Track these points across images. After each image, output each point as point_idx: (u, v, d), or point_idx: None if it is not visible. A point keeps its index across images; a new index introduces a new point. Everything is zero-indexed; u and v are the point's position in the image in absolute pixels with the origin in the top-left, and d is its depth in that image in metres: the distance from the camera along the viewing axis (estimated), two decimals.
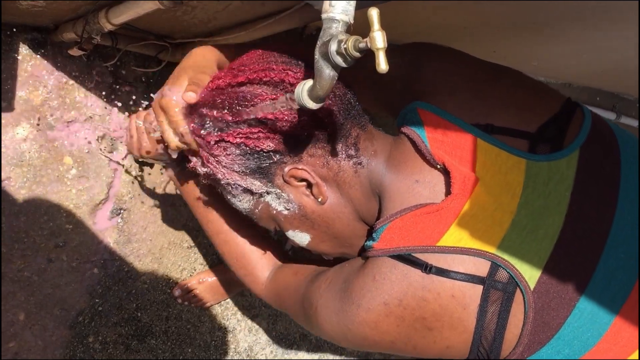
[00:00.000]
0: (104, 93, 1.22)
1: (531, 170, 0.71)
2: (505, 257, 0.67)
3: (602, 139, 0.77)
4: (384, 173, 0.79)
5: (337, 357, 1.71)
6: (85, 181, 1.21)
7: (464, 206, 0.70)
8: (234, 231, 0.98)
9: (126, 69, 1.26)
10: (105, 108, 1.23)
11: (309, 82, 0.59)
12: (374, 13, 0.50)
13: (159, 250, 1.36)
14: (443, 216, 0.70)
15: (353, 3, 0.55)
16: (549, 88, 0.83)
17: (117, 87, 1.25)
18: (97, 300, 1.27)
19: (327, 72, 0.56)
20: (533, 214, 0.70)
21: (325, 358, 1.68)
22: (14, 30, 1.10)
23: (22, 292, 1.16)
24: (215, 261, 1.47)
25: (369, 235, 0.82)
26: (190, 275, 1.42)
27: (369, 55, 0.52)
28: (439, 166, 0.73)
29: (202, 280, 1.40)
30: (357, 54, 0.52)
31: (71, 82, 1.18)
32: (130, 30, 1.10)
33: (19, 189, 1.13)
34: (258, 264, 0.98)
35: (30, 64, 1.12)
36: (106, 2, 0.92)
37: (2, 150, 1.10)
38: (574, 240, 0.69)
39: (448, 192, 0.72)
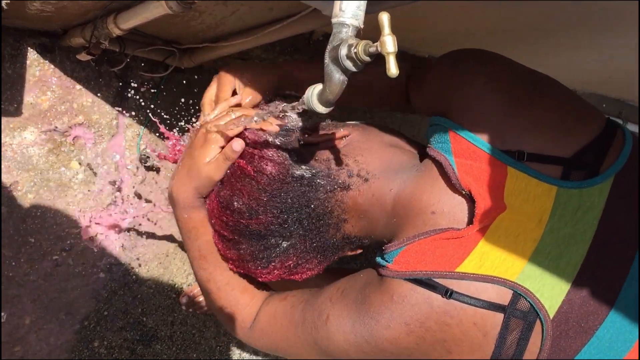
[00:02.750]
0: (111, 98, 1.23)
1: (561, 198, 0.69)
2: (527, 285, 0.67)
3: None
4: (389, 219, 0.78)
5: None
6: (92, 185, 1.21)
7: (485, 233, 0.69)
8: (218, 268, 0.88)
9: (134, 74, 1.27)
10: (113, 113, 1.24)
11: (319, 87, 0.59)
12: (384, 17, 0.50)
13: (164, 255, 1.36)
14: (463, 243, 0.69)
15: (363, 8, 0.55)
16: (591, 107, 0.80)
17: (125, 92, 1.25)
18: (102, 305, 1.27)
19: (337, 77, 0.56)
20: (557, 242, 0.69)
21: None
22: (23, 35, 1.10)
23: (28, 296, 1.16)
24: None
25: (379, 250, 0.80)
26: (196, 280, 1.42)
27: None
28: (464, 192, 0.72)
29: None
30: (367, 59, 0.52)
31: (79, 87, 1.18)
32: (138, 36, 1.11)
33: (26, 193, 1.13)
34: (243, 306, 0.89)
35: (38, 69, 1.13)
36: (115, 7, 0.92)
37: (10, 154, 1.11)
38: (596, 269, 0.69)
39: (471, 219, 0.71)
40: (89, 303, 1.25)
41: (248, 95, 0.89)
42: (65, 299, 1.21)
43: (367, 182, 0.79)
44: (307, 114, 0.70)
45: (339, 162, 0.80)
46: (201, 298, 1.39)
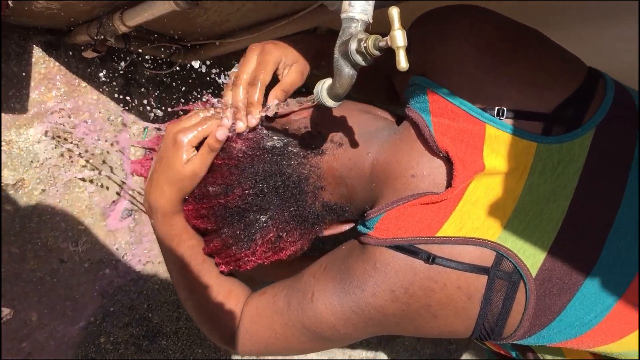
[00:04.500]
0: (116, 95, 1.23)
1: (541, 154, 0.67)
2: (508, 245, 0.66)
3: (622, 116, 0.71)
4: (368, 183, 0.77)
5: (346, 359, 1.71)
6: (98, 182, 1.22)
7: (464, 194, 0.67)
8: (201, 274, 0.82)
9: (138, 71, 1.27)
10: (118, 109, 1.24)
11: (329, 81, 0.60)
12: (394, 12, 0.51)
13: None
14: (442, 206, 0.68)
15: (372, 2, 0.55)
16: (573, 58, 0.77)
17: (130, 89, 1.26)
18: (108, 301, 1.27)
19: (347, 71, 0.57)
20: (538, 198, 0.67)
21: (335, 358, 1.68)
22: (28, 32, 1.11)
23: (35, 293, 1.17)
24: None
25: (361, 219, 0.78)
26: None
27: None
28: (441, 154, 0.70)
29: None
30: (377, 53, 0.53)
31: (84, 84, 1.19)
32: (143, 33, 1.12)
33: (32, 190, 1.14)
34: (228, 312, 0.83)
35: (43, 66, 1.14)
36: (121, 4, 0.93)
37: (16, 152, 1.11)
38: (578, 225, 0.67)
39: (450, 182, 0.69)
40: (95, 299, 1.25)
41: (294, 77, 0.79)
42: (72, 295, 1.22)
43: (341, 147, 0.77)
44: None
45: (311, 129, 0.77)
46: None
